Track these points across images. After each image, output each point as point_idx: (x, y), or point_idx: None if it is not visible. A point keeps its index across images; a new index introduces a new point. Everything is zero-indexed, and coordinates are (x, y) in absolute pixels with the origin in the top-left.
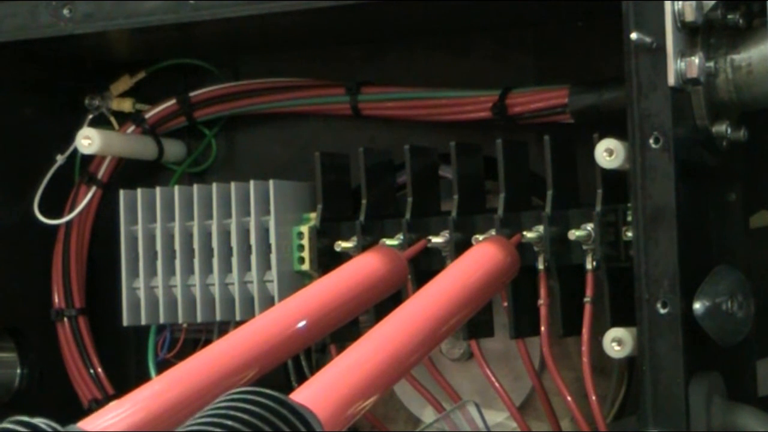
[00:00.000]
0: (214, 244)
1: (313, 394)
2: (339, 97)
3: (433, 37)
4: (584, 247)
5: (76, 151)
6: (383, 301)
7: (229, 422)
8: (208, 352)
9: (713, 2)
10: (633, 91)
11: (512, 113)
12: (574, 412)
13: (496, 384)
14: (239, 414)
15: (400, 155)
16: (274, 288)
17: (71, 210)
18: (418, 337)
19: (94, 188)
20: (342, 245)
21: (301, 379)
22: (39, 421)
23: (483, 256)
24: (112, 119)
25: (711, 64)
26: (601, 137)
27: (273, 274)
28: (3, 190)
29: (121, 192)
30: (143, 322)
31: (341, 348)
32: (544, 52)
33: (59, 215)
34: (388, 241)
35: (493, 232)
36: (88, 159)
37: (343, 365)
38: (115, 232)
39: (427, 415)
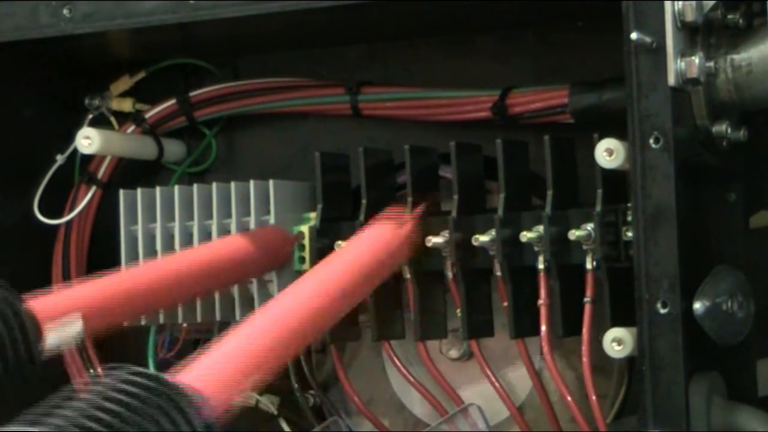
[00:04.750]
0: None
1: (200, 376)
2: (339, 97)
3: (433, 37)
4: (584, 247)
5: (76, 151)
6: None
7: (109, 404)
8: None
9: (713, 2)
10: (633, 91)
11: (512, 113)
12: (574, 412)
13: (496, 384)
14: (119, 395)
15: (400, 155)
16: (273, 288)
17: (71, 210)
18: (308, 318)
19: (94, 188)
20: (342, 245)
21: (302, 379)
22: None
23: (374, 239)
24: (112, 119)
25: (711, 64)
26: (601, 137)
27: (273, 273)
28: (3, 190)
29: (121, 192)
30: (143, 322)
31: (341, 348)
32: (544, 52)
33: (59, 215)
34: None
35: (493, 232)
36: (88, 159)
37: (231, 346)
38: (115, 232)
39: (427, 415)
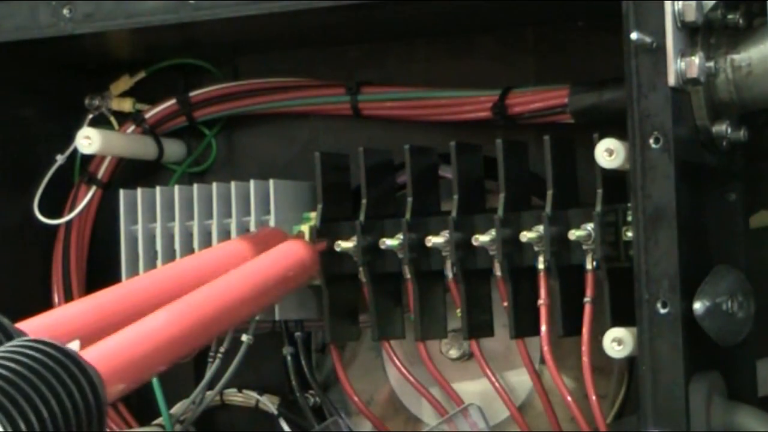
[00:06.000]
0: (215, 243)
1: (101, 355)
2: (339, 97)
3: (433, 37)
4: (584, 247)
5: (76, 151)
6: None
7: (13, 365)
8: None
9: (713, 2)
10: (633, 91)
11: (512, 113)
12: (574, 412)
13: (496, 384)
14: (24, 359)
15: (400, 155)
16: None
17: (71, 210)
18: (213, 317)
19: (94, 188)
20: (342, 245)
21: (302, 379)
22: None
23: (288, 252)
24: (112, 119)
25: (711, 64)
26: (601, 137)
27: None
28: (3, 190)
29: (121, 192)
30: None
31: (341, 348)
32: (544, 52)
33: (59, 215)
34: (388, 241)
35: (493, 232)
36: (88, 159)
37: (136, 332)
38: (115, 232)
39: (427, 415)
